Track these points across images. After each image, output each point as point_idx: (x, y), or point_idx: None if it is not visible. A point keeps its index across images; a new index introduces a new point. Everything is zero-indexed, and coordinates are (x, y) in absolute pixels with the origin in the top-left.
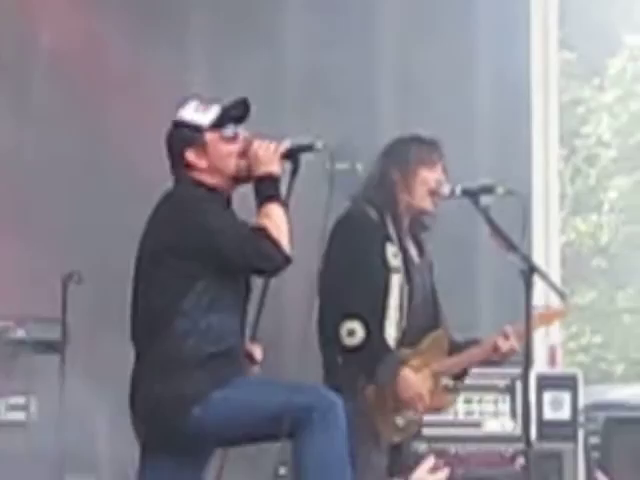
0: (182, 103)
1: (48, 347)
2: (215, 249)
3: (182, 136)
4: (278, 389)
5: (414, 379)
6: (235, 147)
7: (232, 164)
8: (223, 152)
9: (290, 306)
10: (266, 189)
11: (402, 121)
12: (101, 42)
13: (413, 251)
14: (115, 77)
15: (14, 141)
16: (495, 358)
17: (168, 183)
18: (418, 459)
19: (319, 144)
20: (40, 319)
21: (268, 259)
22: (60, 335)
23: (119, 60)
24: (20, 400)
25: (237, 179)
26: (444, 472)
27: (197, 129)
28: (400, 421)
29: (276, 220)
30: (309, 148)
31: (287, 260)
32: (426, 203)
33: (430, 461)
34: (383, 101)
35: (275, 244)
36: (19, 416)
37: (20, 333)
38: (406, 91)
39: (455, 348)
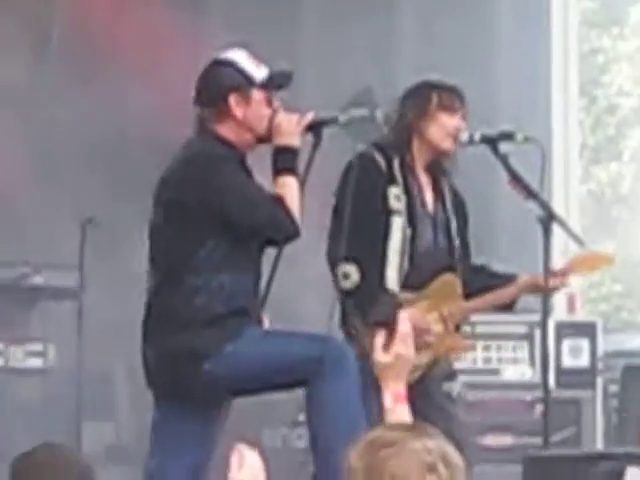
0: (229, 47)
1: (66, 294)
2: (227, 211)
3: (231, 79)
4: (289, 340)
5: (412, 313)
6: (269, 112)
7: (264, 127)
8: (263, 113)
9: (306, 281)
10: (284, 161)
11: (422, 69)
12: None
13: (428, 195)
14: (135, 43)
15: (33, 94)
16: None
17: (186, 130)
18: (450, 399)
19: (342, 118)
20: (58, 266)
21: (280, 228)
22: (78, 282)
23: (139, 26)
24: (38, 347)
25: (259, 141)
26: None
27: (248, 79)
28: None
29: (290, 193)
30: (332, 122)
31: (297, 232)
32: (446, 143)
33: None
34: (403, 49)
35: (288, 214)
36: (37, 363)
37: (38, 280)
38: (427, 38)
39: (491, 282)
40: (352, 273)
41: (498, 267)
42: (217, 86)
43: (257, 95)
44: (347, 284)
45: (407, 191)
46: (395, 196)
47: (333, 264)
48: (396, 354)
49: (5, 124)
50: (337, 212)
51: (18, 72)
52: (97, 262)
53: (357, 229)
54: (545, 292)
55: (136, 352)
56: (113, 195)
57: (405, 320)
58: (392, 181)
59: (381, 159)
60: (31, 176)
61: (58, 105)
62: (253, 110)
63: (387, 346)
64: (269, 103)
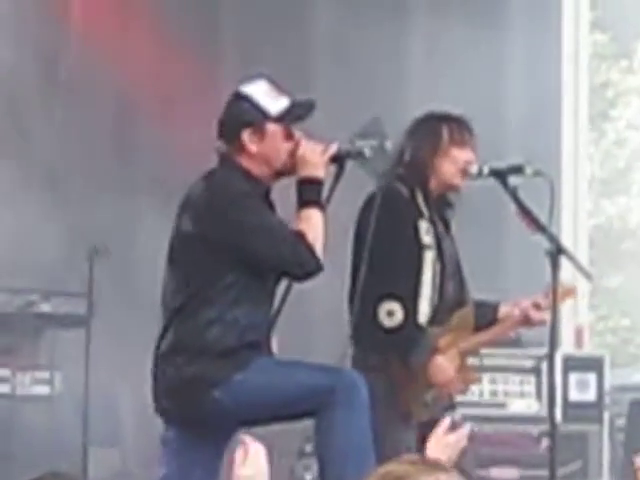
0: (250, 80)
1: (74, 321)
2: (251, 249)
3: (244, 113)
4: (299, 370)
5: (446, 365)
6: (290, 146)
7: (282, 161)
8: (279, 147)
9: (319, 306)
10: (309, 193)
11: (432, 99)
12: (132, 18)
13: (441, 227)
14: (145, 55)
15: (43, 114)
16: (521, 328)
17: (202, 161)
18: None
19: (367, 151)
20: (66, 293)
21: (302, 264)
22: (86, 309)
23: (150, 37)
24: (45, 374)
25: (280, 174)
26: (465, 427)
27: (263, 114)
28: (428, 398)
29: (314, 226)
30: (357, 155)
31: (319, 267)
32: (456, 179)
33: (446, 421)
34: (413, 80)
35: (310, 250)
36: (44, 390)
37: (46, 307)
38: (436, 70)
39: (476, 314)
40: (397, 311)
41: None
42: (232, 121)
43: (272, 129)
44: (392, 322)
45: (433, 224)
46: (425, 230)
47: (372, 300)
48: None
49: (14, 151)
50: (369, 247)
51: (27, 101)
52: (105, 290)
53: (396, 265)
54: (552, 325)
55: (143, 380)
56: (123, 224)
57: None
58: (420, 215)
59: (406, 192)
60: (40, 203)
61: (67, 134)
62: (268, 144)
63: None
64: (287, 136)
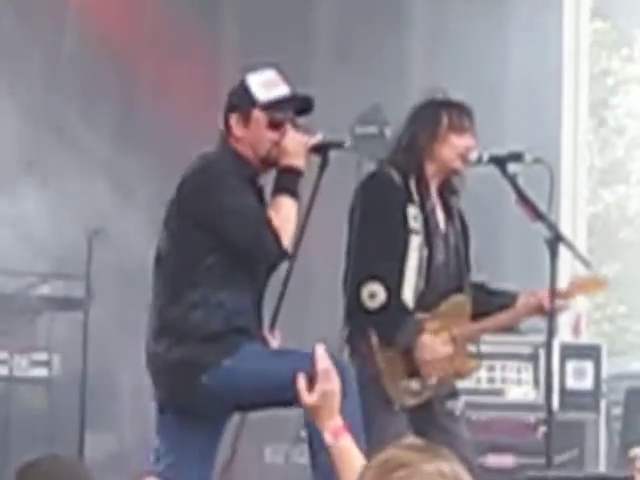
0: (258, 68)
1: (72, 304)
2: (221, 230)
3: (235, 98)
4: (287, 357)
5: (432, 343)
6: (274, 135)
7: (265, 149)
8: (262, 135)
9: (316, 295)
10: (285, 181)
11: (432, 86)
12: (134, 21)
13: (440, 215)
14: (146, 36)
15: (44, 100)
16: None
17: (196, 144)
18: (453, 418)
19: (348, 142)
20: (64, 276)
21: (265, 251)
22: (84, 292)
23: (151, 18)
24: (43, 356)
25: (267, 164)
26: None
27: (251, 100)
28: (412, 385)
29: (284, 214)
30: (338, 145)
31: (283, 255)
32: (456, 163)
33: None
34: (413, 66)
35: (275, 237)
36: (41, 372)
37: (44, 289)
38: (436, 56)
39: (493, 301)
40: (379, 292)
41: (502, 286)
42: (226, 104)
43: (257, 115)
44: (373, 303)
45: (423, 210)
46: (413, 215)
47: (357, 282)
48: (322, 392)
49: (15, 133)
50: (357, 229)
51: (30, 85)
52: (103, 273)
53: (381, 247)
54: (551, 313)
55: (140, 364)
56: (121, 206)
57: (323, 357)
58: (410, 200)
59: (398, 178)
60: (39, 187)
61: (67, 117)
62: (252, 130)
63: (311, 386)
64: (272, 125)
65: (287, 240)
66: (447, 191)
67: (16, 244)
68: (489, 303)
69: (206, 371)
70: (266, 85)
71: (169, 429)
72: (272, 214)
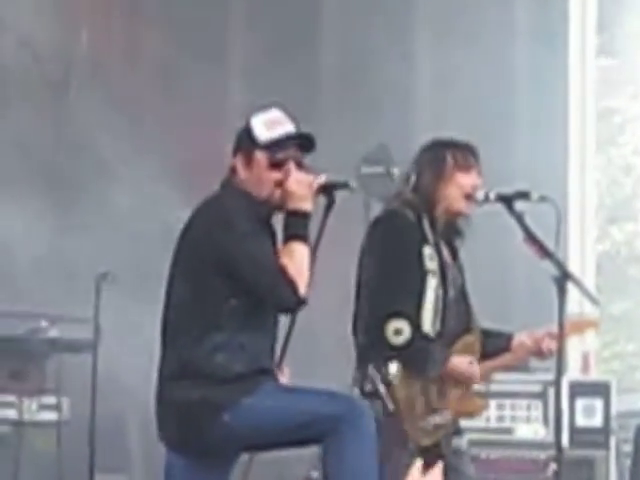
0: (264, 108)
1: (81, 347)
2: (237, 275)
3: (240, 139)
4: (308, 397)
5: (463, 360)
6: (276, 175)
7: (267, 190)
8: (263, 176)
9: (322, 333)
10: (295, 226)
11: (438, 126)
12: (138, 43)
13: (446, 254)
14: (152, 78)
15: (52, 141)
16: (531, 358)
17: (206, 185)
18: (459, 455)
19: (353, 183)
20: (73, 319)
21: (280, 299)
22: (93, 335)
23: (156, 61)
24: (52, 400)
25: (272, 204)
26: (438, 466)
27: (252, 141)
28: (429, 424)
29: (298, 260)
30: (344, 186)
31: (300, 303)
32: (461, 205)
33: (418, 464)
34: (419, 107)
35: (291, 285)
36: (51, 416)
37: (53, 332)
38: (443, 96)
39: (488, 343)
40: (404, 328)
41: (496, 327)
42: (233, 145)
43: (259, 156)
44: (399, 340)
45: (437, 251)
46: (429, 255)
47: (379, 319)
48: None
49: (23, 173)
50: (375, 268)
51: (38, 123)
52: (112, 316)
53: (402, 286)
54: (559, 351)
55: (149, 405)
56: (129, 250)
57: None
58: (425, 240)
59: (413, 217)
60: (48, 229)
61: (75, 157)
62: (254, 171)
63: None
64: (273, 166)
65: (303, 288)
66: (451, 231)
67: (25, 286)
68: (484, 345)
69: (227, 410)
70: (269, 124)
71: (180, 470)
72: (286, 261)
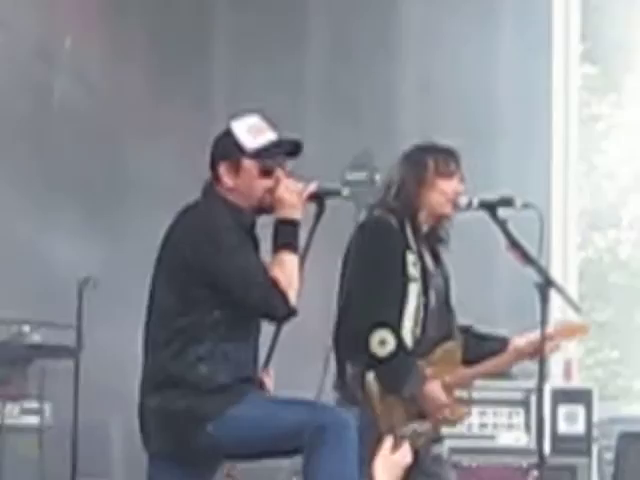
0: (241, 115)
1: (63, 352)
2: (224, 288)
3: (222, 147)
4: (292, 407)
5: (440, 391)
6: (267, 183)
7: (257, 197)
8: (254, 183)
9: (308, 337)
10: (284, 235)
11: (421, 132)
12: (123, 49)
13: (429, 261)
14: (136, 86)
15: (34, 144)
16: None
17: (188, 191)
18: (440, 462)
19: (345, 191)
20: (55, 324)
21: (273, 309)
22: (75, 340)
23: (140, 67)
24: (34, 404)
25: (260, 211)
26: (405, 447)
27: (239, 149)
28: (407, 433)
29: (288, 270)
30: (335, 194)
31: (291, 313)
32: (446, 209)
33: (388, 440)
34: (403, 113)
35: (282, 296)
36: (33, 420)
37: (35, 338)
38: (425, 102)
39: (483, 346)
40: (389, 340)
41: (490, 330)
42: (213, 154)
43: (247, 164)
44: (383, 351)
45: (420, 257)
46: (412, 262)
47: (363, 329)
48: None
49: (6, 178)
50: (358, 276)
51: (21, 123)
52: (94, 321)
53: (386, 294)
54: (541, 358)
55: (132, 411)
56: (111, 255)
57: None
58: (408, 247)
59: (396, 223)
60: (30, 234)
61: (58, 162)
62: (244, 180)
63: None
64: (263, 173)
65: (294, 298)
66: (434, 237)
67: (7, 292)
68: (480, 348)
69: (212, 421)
70: (252, 132)
71: (164, 476)
72: (277, 272)
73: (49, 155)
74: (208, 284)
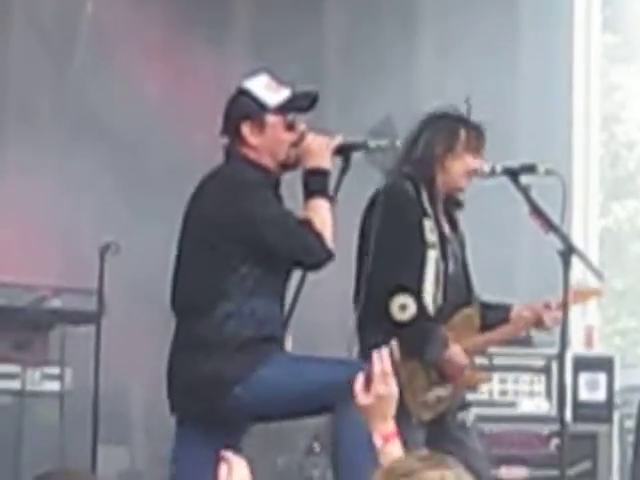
0: (252, 74)
1: (84, 318)
2: (260, 239)
3: (243, 107)
4: (317, 366)
5: (462, 354)
6: (292, 136)
7: (284, 151)
8: (280, 138)
9: (328, 299)
10: (315, 183)
11: (442, 99)
12: (143, 12)
13: (446, 227)
14: (156, 46)
15: (54, 108)
16: (532, 330)
17: (211, 155)
18: (465, 429)
19: (372, 143)
20: (77, 290)
21: (312, 253)
22: (96, 306)
23: (160, 29)
24: (55, 370)
25: (285, 166)
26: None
27: (262, 106)
28: (429, 398)
29: (322, 216)
30: (361, 147)
31: (329, 256)
32: (462, 182)
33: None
34: (423, 80)
35: (319, 239)
36: (54, 386)
37: (56, 303)
38: (447, 69)
39: (488, 315)
40: (410, 305)
41: (494, 299)
42: (232, 116)
43: (272, 120)
44: (404, 316)
45: (437, 224)
46: (430, 228)
47: (384, 293)
48: (377, 395)
49: (27, 145)
50: (377, 242)
51: (41, 92)
52: (116, 286)
53: (406, 260)
54: (563, 325)
55: (153, 377)
56: (134, 219)
57: (382, 358)
58: (424, 213)
59: (412, 190)
60: (52, 200)
61: (80, 128)
62: (269, 136)
63: (367, 387)
64: (288, 127)
65: (330, 241)
66: (450, 203)
67: (29, 258)
68: (484, 317)
69: (239, 383)
70: (271, 88)
71: (190, 441)
72: (312, 216)
73: (69, 119)
74: (234, 237)
